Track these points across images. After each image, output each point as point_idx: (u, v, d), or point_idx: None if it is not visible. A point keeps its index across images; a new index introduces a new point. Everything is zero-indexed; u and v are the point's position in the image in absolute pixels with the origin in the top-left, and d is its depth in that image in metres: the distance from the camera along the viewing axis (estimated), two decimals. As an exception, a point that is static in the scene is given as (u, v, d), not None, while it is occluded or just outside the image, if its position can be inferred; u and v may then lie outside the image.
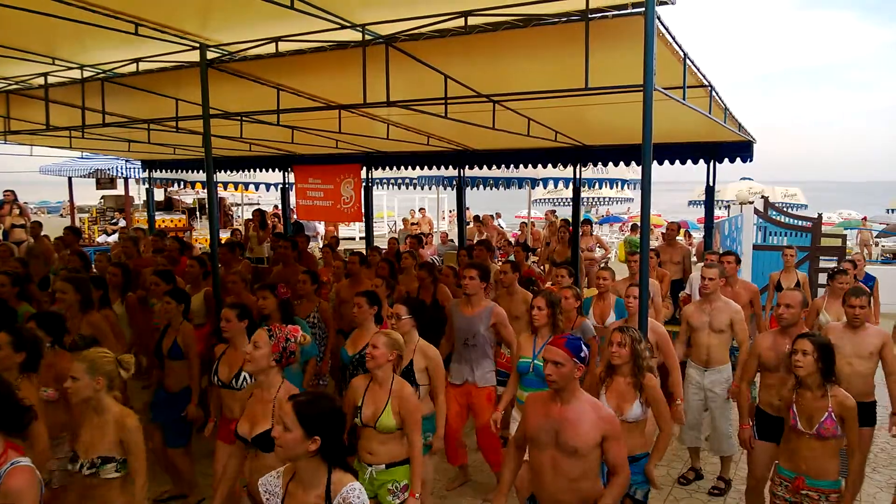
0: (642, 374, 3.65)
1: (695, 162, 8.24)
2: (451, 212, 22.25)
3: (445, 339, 5.21)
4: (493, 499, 3.23)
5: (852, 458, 3.58)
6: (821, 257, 11.15)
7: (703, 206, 9.80)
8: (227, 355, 4.11)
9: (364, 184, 10.46)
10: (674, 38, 4.14)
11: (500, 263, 7.18)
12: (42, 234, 9.92)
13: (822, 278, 9.32)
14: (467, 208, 18.40)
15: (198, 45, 5.16)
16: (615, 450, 3.00)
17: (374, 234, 11.62)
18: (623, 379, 3.68)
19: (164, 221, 16.76)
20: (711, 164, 8.17)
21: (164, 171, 13.52)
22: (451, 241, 13.86)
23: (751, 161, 8.03)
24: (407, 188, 14.64)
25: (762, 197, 14.53)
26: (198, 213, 20.50)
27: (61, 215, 20.76)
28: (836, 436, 3.47)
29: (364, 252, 7.23)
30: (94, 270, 6.73)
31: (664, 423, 3.74)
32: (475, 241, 9.55)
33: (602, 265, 8.56)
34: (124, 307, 6.01)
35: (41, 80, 6.50)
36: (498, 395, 5.08)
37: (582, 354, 3.03)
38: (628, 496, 3.64)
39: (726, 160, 8.03)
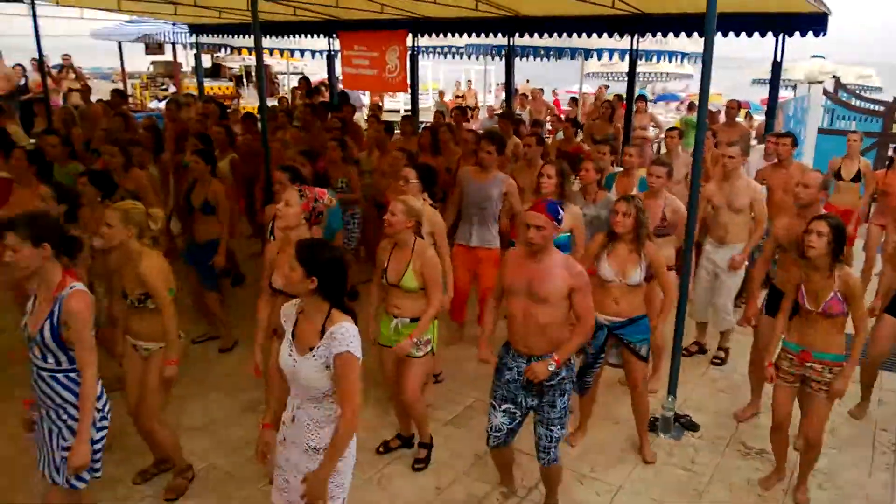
0: (643, 242, 3.89)
1: (762, 35, 7.64)
2: (498, 85, 21.52)
3: (452, 205, 5.36)
4: (479, 344, 3.55)
5: (857, 334, 3.65)
6: (892, 144, 10.58)
7: (767, 85, 9.25)
8: None
9: (410, 52, 10.15)
10: None
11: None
12: (95, 99, 10.14)
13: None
14: (527, 81, 17.68)
15: None
16: (580, 300, 3.26)
17: (420, 106, 11.41)
18: (625, 245, 3.92)
19: (211, 89, 16.76)
20: (780, 37, 7.59)
21: (211, 35, 13.35)
22: (497, 114, 13.55)
23: (824, 35, 7.38)
24: (453, 58, 14.14)
25: (833, 77, 13.61)
26: (244, 80, 20.38)
27: (113, 81, 20.92)
28: (842, 313, 3.56)
29: (391, 122, 7.23)
30: (140, 131, 7.02)
31: (668, 289, 4.09)
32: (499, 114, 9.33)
33: (654, 144, 8.24)
34: (157, 168, 6.30)
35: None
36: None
37: (559, 217, 3.20)
38: (634, 353, 4.00)
39: (797, 34, 7.42)
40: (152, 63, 19.53)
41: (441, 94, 17.32)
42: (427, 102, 20.05)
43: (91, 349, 2.81)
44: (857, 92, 13.56)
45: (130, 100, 15.50)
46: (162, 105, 15.96)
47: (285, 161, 6.21)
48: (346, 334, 2.51)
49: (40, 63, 9.63)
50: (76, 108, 10.89)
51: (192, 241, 5.43)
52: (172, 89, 17.24)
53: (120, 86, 16.80)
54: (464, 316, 5.69)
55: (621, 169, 5.69)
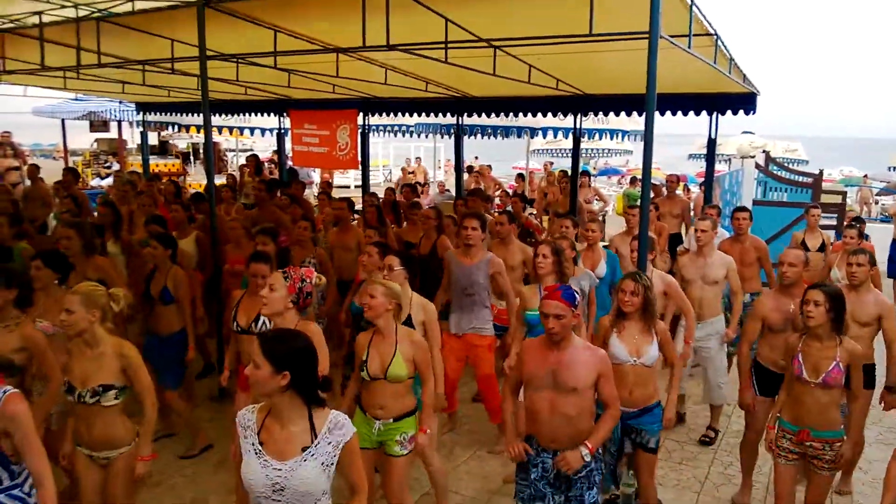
0: (654, 319, 3.72)
1: (697, 113, 8.10)
2: (447, 161, 22.08)
3: (442, 289, 5.18)
4: (506, 443, 3.31)
5: (854, 403, 3.57)
6: (821, 214, 11.16)
7: (702, 159, 9.73)
8: (245, 301, 4.03)
9: (360, 130, 10.32)
10: (681, -17, 4.04)
11: (495, 214, 7.12)
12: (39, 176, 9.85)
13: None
14: (475, 157, 18.04)
15: (193, -18, 5.02)
16: (608, 386, 3.17)
17: (370, 182, 11.53)
18: (635, 325, 3.71)
19: (157, 166, 16.61)
20: (714, 115, 8.04)
21: (158, 114, 13.32)
22: (448, 191, 13.78)
23: (754, 113, 7.89)
24: (403, 136, 14.46)
25: (763, 151, 14.42)
26: (192, 157, 20.28)
27: (54, 158, 20.51)
28: (841, 385, 3.48)
29: (351, 199, 7.20)
30: (95, 214, 6.73)
31: (676, 363, 3.90)
32: (468, 191, 9.50)
33: (600, 218, 8.51)
34: (119, 246, 5.98)
35: (35, 19, 6.35)
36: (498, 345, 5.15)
37: (576, 302, 3.12)
38: (641, 446, 3.75)
39: (729, 112, 7.88)
40: (96, 140, 19.30)
41: (404, 171, 17.67)
42: (377, 178, 20.32)
43: (44, 454, 2.53)
44: (786, 165, 14.37)
45: (72, 178, 15.12)
46: (104, 183, 15.70)
47: (241, 240, 5.99)
48: (346, 420, 2.33)
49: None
50: (13, 186, 10.58)
51: (151, 334, 4.98)
52: (116, 167, 17.00)
53: (61, 163, 16.49)
54: (455, 405, 5.41)
55: (585, 245, 5.67)
